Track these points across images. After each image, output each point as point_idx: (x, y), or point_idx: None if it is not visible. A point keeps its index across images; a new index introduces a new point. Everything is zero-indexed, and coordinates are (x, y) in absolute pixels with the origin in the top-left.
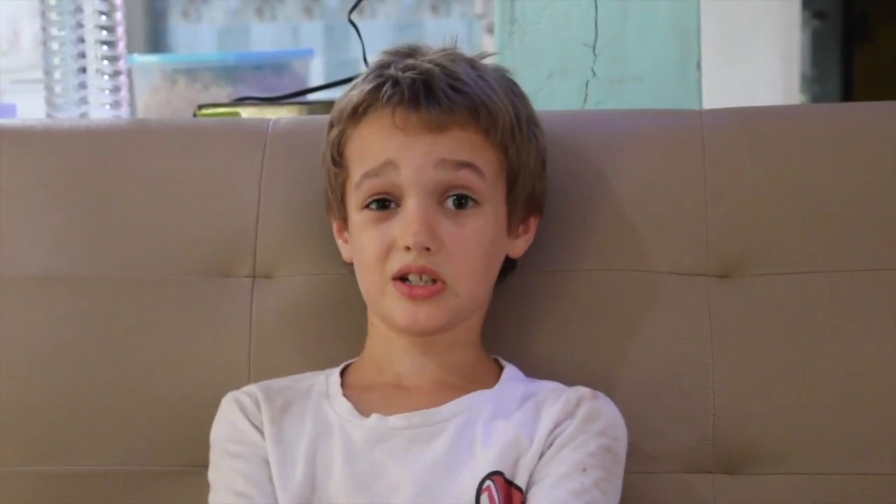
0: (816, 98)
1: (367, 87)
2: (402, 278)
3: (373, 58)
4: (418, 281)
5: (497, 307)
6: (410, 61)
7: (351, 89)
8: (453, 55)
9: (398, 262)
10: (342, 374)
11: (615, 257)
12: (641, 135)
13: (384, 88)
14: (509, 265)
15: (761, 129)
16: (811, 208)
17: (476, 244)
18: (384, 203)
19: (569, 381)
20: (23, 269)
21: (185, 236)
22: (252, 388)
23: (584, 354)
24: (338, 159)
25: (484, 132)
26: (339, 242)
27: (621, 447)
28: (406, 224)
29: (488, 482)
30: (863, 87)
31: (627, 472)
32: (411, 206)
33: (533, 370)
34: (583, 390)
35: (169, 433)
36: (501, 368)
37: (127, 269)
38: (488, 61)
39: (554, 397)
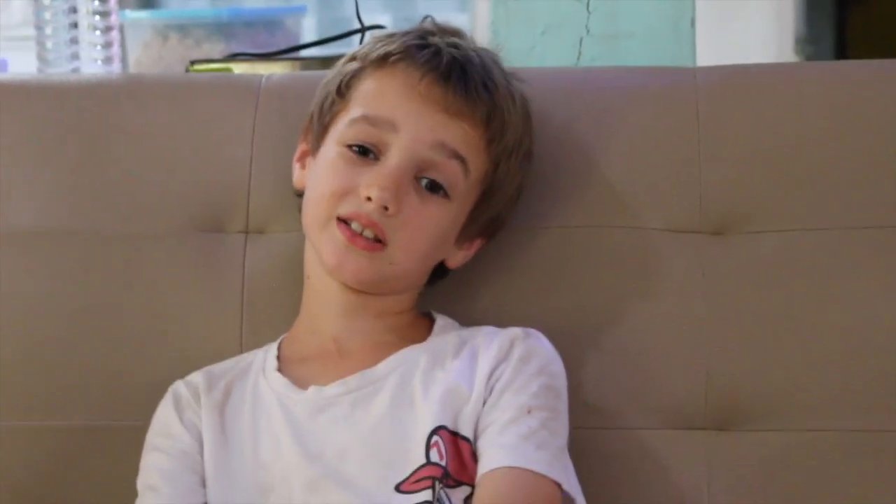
0: (810, 58)
1: (408, 42)
2: (346, 222)
3: (367, 16)
4: (360, 230)
5: (488, 264)
6: (455, 40)
7: (388, 37)
8: (495, 58)
9: (352, 206)
10: (280, 346)
11: (608, 215)
12: (635, 92)
13: (423, 51)
14: (439, 273)
15: (755, 86)
16: (805, 166)
17: (430, 226)
18: (365, 150)
19: (561, 338)
20: (13, 223)
21: (178, 191)
22: (196, 375)
23: (576, 311)
24: (343, 91)
25: (489, 138)
26: (296, 166)
27: (561, 383)
28: (378, 177)
29: (435, 437)
30: (857, 48)
31: (621, 428)
32: (391, 163)
33: (526, 325)
34: (514, 331)
35: (162, 388)
36: (434, 322)
37: (119, 224)
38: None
39: (487, 342)
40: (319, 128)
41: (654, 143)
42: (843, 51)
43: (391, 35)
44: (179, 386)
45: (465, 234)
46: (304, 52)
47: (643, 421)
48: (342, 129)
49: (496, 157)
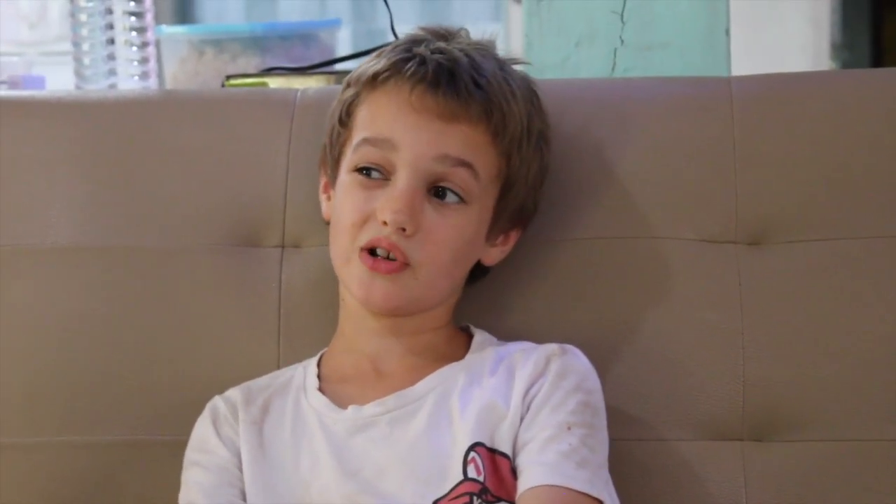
0: (846, 65)
1: (394, 58)
2: (370, 250)
3: (401, 28)
4: (384, 254)
5: (522, 276)
6: (442, 45)
7: (377, 56)
8: (485, 51)
9: (371, 233)
10: (319, 363)
11: (644, 225)
12: (670, 102)
13: (409, 64)
14: (480, 271)
15: (790, 95)
16: (841, 175)
17: (452, 238)
18: (375, 171)
19: (597, 350)
20: (51, 239)
21: (214, 206)
22: (234, 391)
23: (612, 323)
24: (345, 119)
25: (492, 134)
26: (322, 198)
27: (598, 399)
28: (389, 200)
29: (472, 453)
30: (893, 53)
31: (658, 439)
32: (400, 184)
33: (561, 339)
34: (551, 347)
35: (199, 402)
36: (472, 337)
37: (155, 240)
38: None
39: (524, 358)
40: (332, 159)
41: (690, 154)
42: (879, 56)
43: (380, 53)
44: (217, 401)
45: (495, 230)
46: (339, 66)
47: (680, 432)
48: (350, 157)
49: (506, 151)
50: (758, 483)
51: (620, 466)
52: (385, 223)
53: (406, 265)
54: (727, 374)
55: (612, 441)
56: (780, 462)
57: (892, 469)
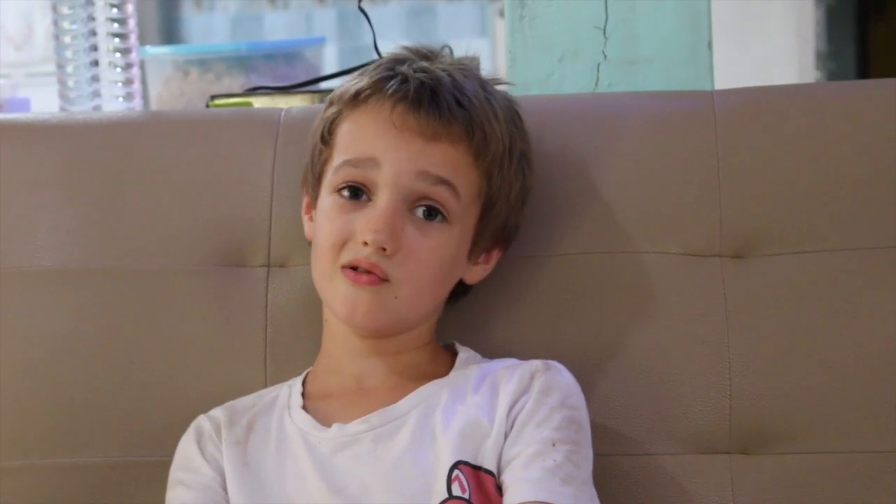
0: (832, 75)
1: (376, 76)
2: (351, 267)
3: (384, 45)
4: (364, 271)
5: (507, 292)
6: (424, 64)
7: (360, 74)
8: (467, 71)
9: (352, 253)
10: (305, 381)
11: (629, 239)
12: (654, 116)
13: (391, 82)
14: (462, 289)
15: (773, 108)
16: (825, 187)
17: (434, 257)
18: (357, 192)
19: (582, 365)
20: (38, 261)
21: (199, 227)
22: (217, 411)
23: (597, 338)
24: (327, 137)
25: (474, 153)
26: (305, 219)
27: (583, 415)
28: (370, 221)
29: (456, 471)
30: (879, 63)
31: (645, 454)
32: (381, 203)
33: (546, 355)
34: (534, 363)
35: (187, 423)
36: (456, 354)
37: (141, 261)
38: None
39: (508, 375)
40: (314, 179)
41: (674, 168)
42: (865, 65)
43: (363, 71)
44: (202, 420)
45: (477, 248)
46: (324, 84)
47: (667, 446)
48: (331, 178)
49: (487, 170)
50: (746, 497)
51: (608, 482)
52: (366, 244)
53: (386, 282)
54: (714, 387)
55: (600, 456)
56: (768, 475)
57: (881, 481)
